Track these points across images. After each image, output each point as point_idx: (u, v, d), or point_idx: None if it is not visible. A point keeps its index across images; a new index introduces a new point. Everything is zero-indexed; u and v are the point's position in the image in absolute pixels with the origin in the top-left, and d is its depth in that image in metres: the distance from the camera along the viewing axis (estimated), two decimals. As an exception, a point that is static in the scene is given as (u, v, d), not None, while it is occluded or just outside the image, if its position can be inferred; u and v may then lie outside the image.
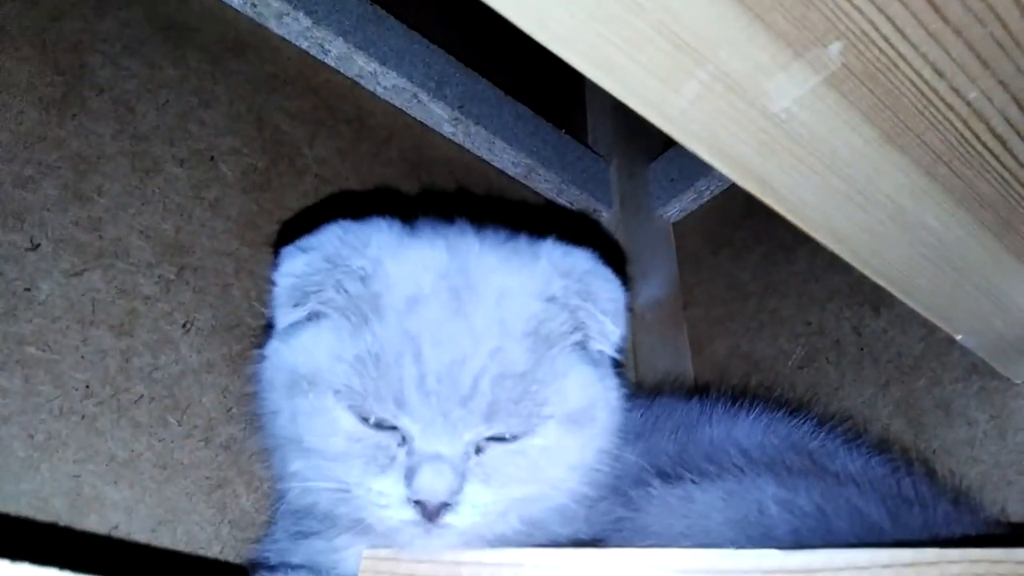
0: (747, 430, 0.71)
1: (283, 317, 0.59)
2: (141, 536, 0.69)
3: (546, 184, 1.29)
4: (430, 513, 0.52)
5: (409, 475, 0.52)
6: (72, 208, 0.75)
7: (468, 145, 1.21)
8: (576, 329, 0.60)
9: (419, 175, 1.12)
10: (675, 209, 1.40)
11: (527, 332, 0.57)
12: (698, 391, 1.11)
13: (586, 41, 0.44)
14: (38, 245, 0.72)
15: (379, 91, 1.11)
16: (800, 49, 0.45)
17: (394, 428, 0.54)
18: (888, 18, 0.44)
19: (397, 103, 1.13)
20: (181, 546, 0.70)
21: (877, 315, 1.00)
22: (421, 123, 1.16)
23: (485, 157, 1.23)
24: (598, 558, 0.52)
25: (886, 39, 0.45)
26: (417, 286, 0.56)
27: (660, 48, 0.45)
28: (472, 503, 0.53)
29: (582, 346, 0.61)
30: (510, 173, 1.26)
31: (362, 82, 1.09)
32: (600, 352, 0.62)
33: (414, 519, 0.52)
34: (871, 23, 0.44)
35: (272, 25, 1.01)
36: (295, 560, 0.61)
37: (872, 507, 0.58)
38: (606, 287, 0.61)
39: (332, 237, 0.59)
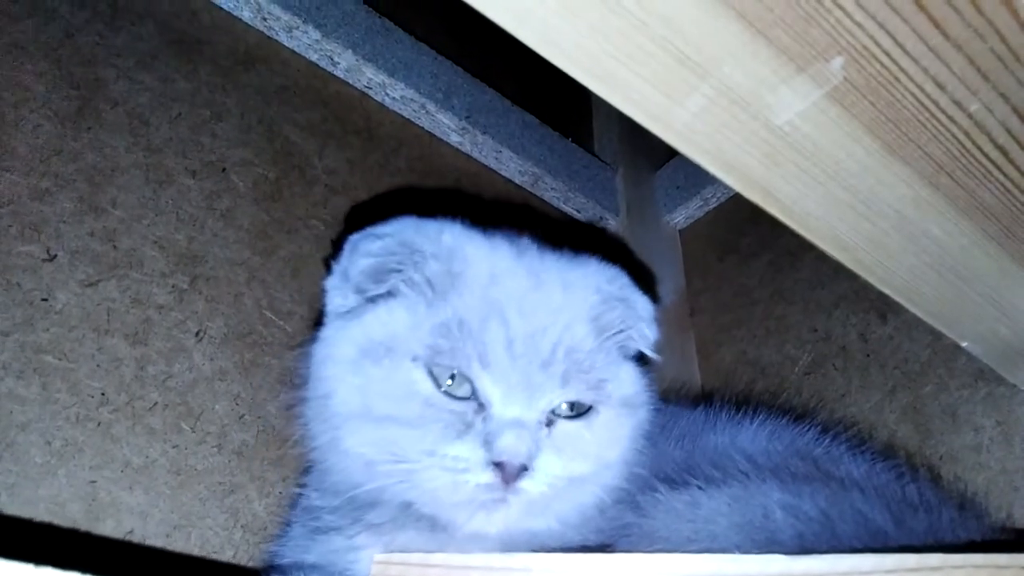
0: (752, 436, 0.72)
1: (348, 298, 0.62)
2: (156, 541, 0.70)
3: (553, 192, 1.30)
4: (508, 475, 0.54)
5: (489, 439, 0.55)
6: (87, 220, 0.77)
7: (475, 154, 1.22)
8: (623, 327, 0.65)
9: (427, 185, 1.13)
10: (681, 216, 1.41)
11: (590, 317, 0.62)
12: (705, 397, 1.12)
13: (590, 56, 0.45)
14: (55, 256, 0.74)
15: (387, 102, 1.12)
16: (802, 64, 0.46)
17: (468, 399, 0.57)
18: (889, 33, 0.45)
19: (405, 114, 1.14)
20: (195, 551, 0.72)
21: (884, 321, 1.01)
22: (429, 133, 1.17)
23: (492, 166, 1.24)
24: (606, 563, 0.53)
25: (887, 54, 0.46)
26: (496, 265, 0.61)
27: (664, 63, 0.46)
28: (545, 471, 0.56)
29: (624, 347, 0.67)
30: (517, 181, 1.27)
31: (371, 93, 1.11)
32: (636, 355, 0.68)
33: (491, 482, 0.54)
34: (872, 38, 0.45)
35: (282, 38, 1.03)
36: (310, 559, 0.62)
37: (877, 512, 0.58)
38: (641, 299, 0.67)
39: (406, 227, 0.62)
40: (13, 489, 0.64)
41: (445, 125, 1.17)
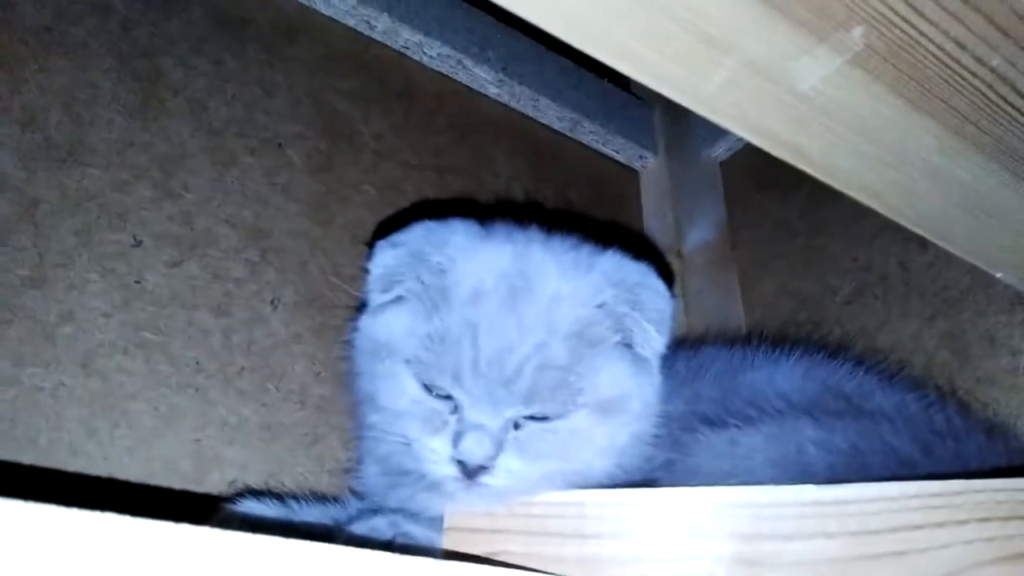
0: (787, 374, 0.76)
1: (374, 299, 0.70)
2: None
3: (591, 136, 1.32)
4: (469, 472, 0.62)
5: (456, 438, 0.62)
6: (165, 205, 0.84)
7: (514, 104, 1.24)
8: (619, 332, 0.67)
9: (468, 140, 1.17)
10: (721, 148, 1.40)
11: (571, 333, 0.64)
12: (747, 331, 1.16)
13: (615, 40, 0.48)
14: (141, 242, 0.81)
15: (425, 61, 1.15)
16: (823, 35, 0.48)
17: (448, 398, 0.64)
18: (906, 1, 0.46)
19: (443, 71, 1.17)
20: (290, 496, 0.81)
21: (924, 250, 1.02)
22: (467, 87, 1.20)
23: (531, 114, 1.26)
24: (653, 496, 0.59)
25: (906, 20, 0.47)
26: (481, 282, 0.65)
27: (686, 42, 0.48)
28: (506, 469, 0.62)
29: (627, 345, 0.68)
30: (556, 128, 1.29)
31: (408, 53, 1.13)
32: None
33: (456, 475, 0.62)
34: (890, 7, 0.46)
35: (320, 6, 1.06)
36: (391, 503, 0.71)
37: (905, 443, 0.63)
38: (654, 299, 0.68)
39: (417, 236, 0.69)
40: (132, 451, 0.74)
41: (482, 78, 1.19)
